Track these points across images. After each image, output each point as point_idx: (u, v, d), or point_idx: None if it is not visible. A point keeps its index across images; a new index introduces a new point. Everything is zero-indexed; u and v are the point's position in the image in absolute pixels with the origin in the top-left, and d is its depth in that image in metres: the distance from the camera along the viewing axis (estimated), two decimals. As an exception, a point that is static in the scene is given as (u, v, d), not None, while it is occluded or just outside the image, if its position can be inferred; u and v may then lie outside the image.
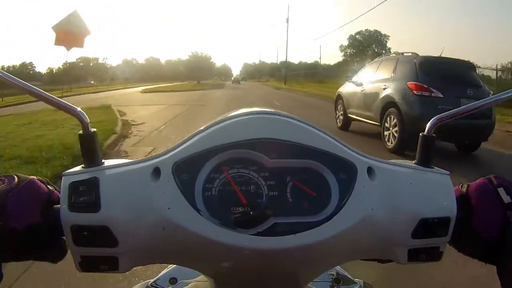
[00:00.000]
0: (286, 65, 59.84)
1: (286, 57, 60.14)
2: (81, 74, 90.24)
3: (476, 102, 0.43)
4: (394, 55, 6.47)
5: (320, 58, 69.19)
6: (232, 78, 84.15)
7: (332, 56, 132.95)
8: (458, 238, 0.43)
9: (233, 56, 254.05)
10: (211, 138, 0.39)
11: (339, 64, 69.51)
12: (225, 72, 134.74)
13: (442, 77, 5.09)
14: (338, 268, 0.63)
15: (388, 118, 5.42)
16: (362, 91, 6.46)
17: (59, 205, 0.39)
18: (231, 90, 28.60)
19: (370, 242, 0.41)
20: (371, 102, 5.99)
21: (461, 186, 0.45)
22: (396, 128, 5.16)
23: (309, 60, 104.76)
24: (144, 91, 25.79)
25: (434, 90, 4.91)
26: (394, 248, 0.42)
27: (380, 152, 5.09)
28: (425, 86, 4.95)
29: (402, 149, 5.06)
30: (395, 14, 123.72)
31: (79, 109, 0.41)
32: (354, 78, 7.09)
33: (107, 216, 0.38)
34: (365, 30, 75.62)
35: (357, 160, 0.41)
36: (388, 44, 75.92)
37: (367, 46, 74.30)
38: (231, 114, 0.42)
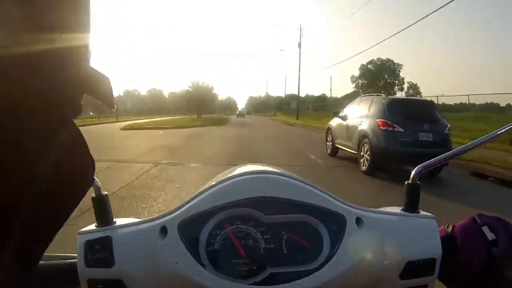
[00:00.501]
0: (297, 97, 50.57)
1: (299, 88, 47.43)
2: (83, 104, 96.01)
3: (453, 150, 0.49)
4: (370, 96, 7.85)
5: (330, 90, 66.98)
6: (237, 112, 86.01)
7: (342, 88, 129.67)
8: (446, 275, 0.46)
9: (239, 89, 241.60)
10: (212, 199, 0.43)
11: (347, 96, 64.56)
12: (230, 106, 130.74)
13: (405, 115, 6.39)
14: None
15: (362, 147, 6.70)
16: (345, 124, 7.80)
17: (75, 260, 0.44)
18: (234, 128, 21.71)
19: (361, 285, 0.44)
20: (352, 134, 7.31)
21: (447, 227, 0.48)
22: (368, 155, 6.44)
23: (315, 92, 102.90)
24: (125, 128, 20.99)
25: (396, 126, 6.21)
26: None
27: (356, 174, 6.37)
28: (389, 123, 6.26)
29: (373, 172, 6.31)
30: (408, 42, 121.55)
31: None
32: (341, 114, 8.45)
33: (120, 270, 0.43)
34: (377, 59, 71.05)
35: (346, 211, 0.45)
36: (402, 73, 71.05)
37: (379, 76, 69.95)
38: (230, 175, 0.47)
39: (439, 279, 0.47)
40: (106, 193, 0.48)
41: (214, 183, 0.46)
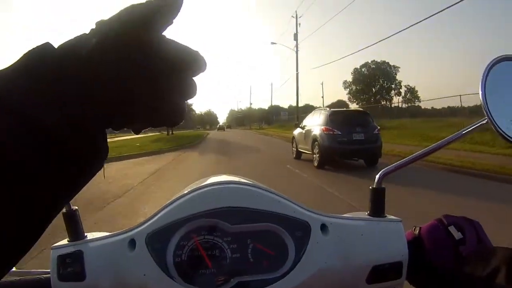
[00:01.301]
0: (297, 102, 35.26)
1: (297, 91, 33.72)
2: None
3: (416, 154, 0.49)
4: (319, 109, 10.06)
5: (323, 97, 58.41)
6: (218, 126, 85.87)
7: (335, 94, 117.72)
8: (415, 277, 0.47)
9: (219, 102, 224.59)
10: (178, 211, 0.44)
11: (333, 105, 58.03)
12: (210, 120, 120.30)
13: (342, 122, 8.57)
14: None
15: (314, 148, 8.82)
16: (304, 132, 9.93)
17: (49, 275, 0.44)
18: (209, 156, 12.68)
19: None
20: (308, 139, 9.42)
21: (414, 229, 0.49)
22: (317, 154, 8.54)
23: (306, 101, 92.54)
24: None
25: (335, 130, 8.36)
26: None
27: (310, 168, 8.46)
28: (330, 128, 8.43)
29: (322, 166, 8.39)
30: (406, 43, 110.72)
31: None
32: (301, 125, 10.60)
33: (92, 284, 0.43)
34: (372, 61, 64.80)
35: (310, 218, 0.45)
36: (399, 77, 64.99)
37: (374, 80, 63.75)
38: (196, 186, 0.47)
39: (409, 281, 0.47)
40: (76, 208, 0.49)
41: (180, 194, 0.46)
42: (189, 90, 0.26)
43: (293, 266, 0.43)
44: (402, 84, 64.86)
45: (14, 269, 0.47)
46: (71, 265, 0.44)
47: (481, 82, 0.44)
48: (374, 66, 64.98)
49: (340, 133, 8.36)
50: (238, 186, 0.47)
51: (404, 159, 0.49)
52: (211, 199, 0.45)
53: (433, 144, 0.49)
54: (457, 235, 0.45)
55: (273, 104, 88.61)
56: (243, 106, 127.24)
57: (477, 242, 0.45)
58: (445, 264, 0.44)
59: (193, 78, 0.26)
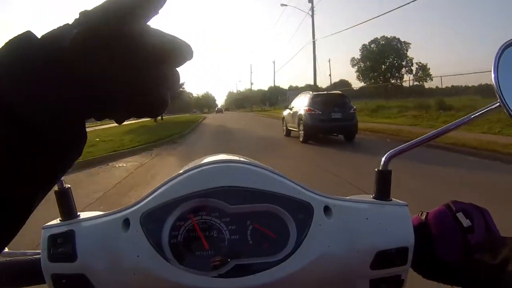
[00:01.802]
0: (314, 79, 29.98)
1: (314, 61, 28.83)
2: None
3: (424, 136, 0.47)
4: (304, 92, 11.62)
5: (330, 75, 55.97)
6: (216, 109, 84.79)
7: (344, 73, 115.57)
8: (421, 265, 0.45)
9: (217, 84, 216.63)
10: (175, 189, 0.42)
11: (342, 84, 57.15)
12: (208, 102, 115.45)
13: (322, 103, 10.12)
14: None
15: (299, 126, 10.41)
16: (291, 113, 11.50)
17: (40, 256, 0.42)
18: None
19: (330, 276, 0.43)
20: (294, 119, 10.99)
21: (420, 215, 0.47)
22: (302, 130, 10.14)
23: (301, 83, 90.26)
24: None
25: (316, 110, 9.92)
26: (355, 280, 0.44)
27: (296, 142, 10.08)
28: (312, 109, 9.98)
29: (306, 141, 9.99)
30: (418, 17, 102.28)
31: None
32: (289, 106, 12.15)
33: (83, 265, 0.42)
34: (381, 37, 59.70)
35: (313, 200, 0.43)
36: (410, 53, 59.53)
37: (383, 57, 58.98)
38: (194, 165, 0.46)
39: (413, 268, 0.46)
40: (69, 186, 0.48)
41: (177, 173, 0.45)
42: (173, 81, 0.27)
43: (294, 249, 0.41)
44: (414, 61, 59.86)
45: (6, 249, 0.47)
46: (62, 245, 0.42)
47: (493, 65, 0.42)
48: (384, 42, 59.95)
49: (320, 112, 9.94)
50: (238, 165, 0.45)
51: (411, 141, 0.47)
52: (210, 178, 0.43)
53: (442, 127, 0.47)
54: (466, 222, 0.43)
55: (276, 85, 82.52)
56: (243, 87, 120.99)
57: (486, 230, 0.42)
58: (452, 252, 0.43)
59: (177, 69, 0.27)
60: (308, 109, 10.12)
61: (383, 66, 59.77)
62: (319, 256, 0.42)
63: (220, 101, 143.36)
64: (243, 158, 0.51)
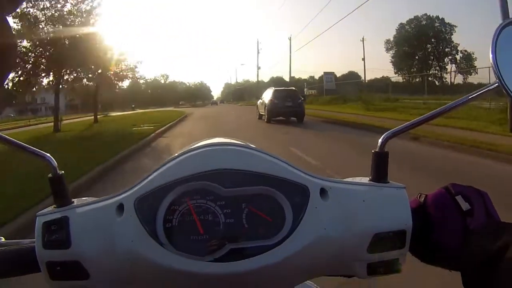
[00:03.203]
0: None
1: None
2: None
3: (421, 117, 0.46)
4: (270, 88, 16.72)
5: (364, 59, 44.54)
6: (211, 101, 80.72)
7: (377, 60, 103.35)
8: (419, 248, 0.44)
9: (212, 74, 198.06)
10: (168, 173, 0.42)
11: (352, 76, 48.65)
12: (202, 94, 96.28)
13: (280, 95, 15.19)
14: (309, 283, 0.62)
15: (265, 111, 15.51)
16: (261, 102, 16.57)
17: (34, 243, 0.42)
18: None
19: (327, 259, 0.43)
20: (262, 106, 16.08)
21: (419, 197, 0.46)
22: (266, 114, 15.23)
23: (342, 70, 75.46)
24: None
25: (275, 100, 15.01)
26: (353, 263, 0.44)
27: (263, 122, 15.17)
28: (272, 99, 15.07)
29: (269, 121, 15.02)
30: None
31: (48, 155, 0.46)
32: (261, 97, 17.19)
33: (77, 251, 0.41)
34: (422, 15, 48.83)
35: (309, 182, 0.43)
36: (455, 38, 49.34)
37: (423, 41, 48.47)
38: (188, 148, 0.46)
39: (411, 252, 0.45)
40: (63, 172, 0.48)
41: (171, 157, 0.45)
42: None
43: (290, 232, 0.40)
44: (459, 48, 49.13)
45: (3, 239, 0.49)
46: (56, 232, 0.42)
47: (491, 45, 0.42)
48: (424, 23, 49.22)
49: (277, 102, 14.98)
50: (232, 148, 0.45)
51: (407, 123, 0.46)
52: (203, 161, 0.42)
53: (438, 108, 0.46)
54: (465, 205, 0.42)
55: (277, 76, 74.29)
56: (242, 77, 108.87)
57: (485, 214, 0.42)
58: (451, 236, 0.42)
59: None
60: (270, 100, 15.18)
61: (423, 52, 49.62)
62: (315, 239, 0.41)
63: (216, 93, 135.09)
64: (238, 141, 0.50)
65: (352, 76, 59.51)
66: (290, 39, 41.14)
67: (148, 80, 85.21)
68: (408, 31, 50.53)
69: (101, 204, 0.44)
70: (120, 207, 0.42)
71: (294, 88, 16.85)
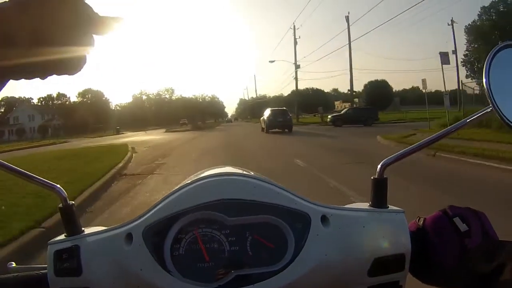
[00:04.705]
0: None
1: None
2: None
3: (419, 143, 0.47)
4: (268, 108, 23.93)
5: (454, 51, 31.70)
6: (226, 119, 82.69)
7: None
8: (419, 270, 0.46)
9: (227, 91, 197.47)
10: (175, 204, 0.43)
11: (379, 84, 51.91)
12: (214, 110, 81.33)
13: (274, 113, 22.35)
14: None
15: (264, 125, 22.67)
16: (262, 119, 23.73)
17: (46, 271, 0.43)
18: None
19: (328, 284, 0.44)
20: (263, 121, 23.18)
21: (418, 220, 0.47)
22: (265, 127, 22.33)
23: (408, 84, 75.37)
24: None
25: (271, 117, 22.10)
26: (354, 287, 0.45)
27: (262, 133, 22.17)
28: (268, 116, 22.22)
29: (267, 131, 21.93)
30: None
31: (58, 186, 0.48)
32: (263, 115, 24.26)
33: (88, 279, 0.43)
34: None
35: (310, 210, 0.44)
36: None
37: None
38: (195, 178, 0.47)
39: (413, 274, 0.47)
40: (73, 202, 0.49)
41: (178, 187, 0.46)
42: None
43: (292, 258, 0.42)
44: None
45: (14, 264, 0.50)
46: (68, 260, 0.44)
47: (484, 69, 0.42)
48: None
49: (272, 118, 21.96)
50: (235, 178, 0.46)
51: (406, 148, 0.47)
52: (208, 191, 0.44)
53: (437, 133, 0.47)
54: (462, 227, 0.43)
55: (314, 87, 72.67)
56: (257, 92, 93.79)
57: (483, 234, 0.43)
58: (449, 257, 0.43)
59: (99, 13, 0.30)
60: (267, 117, 22.28)
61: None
62: (317, 264, 0.42)
63: (230, 109, 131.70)
64: (243, 170, 0.52)
65: (379, 85, 64.60)
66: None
67: (151, 95, 79.41)
68: (496, 13, 34.86)
69: (110, 233, 0.46)
70: (129, 236, 0.43)
71: (285, 108, 24.03)
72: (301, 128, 25.86)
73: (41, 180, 0.48)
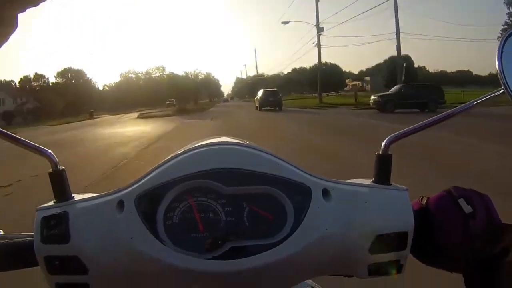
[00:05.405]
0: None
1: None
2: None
3: (424, 121, 0.46)
4: (261, 89, 27.47)
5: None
6: (223, 99, 79.29)
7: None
8: (421, 250, 0.45)
9: (222, 68, 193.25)
10: (170, 171, 0.42)
11: (392, 60, 38.18)
12: (209, 89, 78.01)
13: (266, 93, 26.06)
14: (310, 282, 0.60)
15: (257, 103, 26.38)
16: (256, 98, 27.30)
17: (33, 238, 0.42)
18: None
19: (328, 260, 0.43)
20: (257, 100, 26.79)
21: (421, 199, 0.46)
22: (258, 105, 26.02)
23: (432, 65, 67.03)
24: None
25: (264, 97, 25.81)
26: (354, 264, 0.44)
27: (256, 110, 25.76)
28: (261, 96, 25.94)
29: (260, 109, 25.67)
30: None
31: (49, 150, 0.46)
32: (257, 94, 27.69)
33: (76, 246, 0.41)
34: None
35: (311, 182, 0.43)
36: None
37: None
38: (191, 147, 0.46)
39: (413, 254, 0.45)
40: (63, 168, 0.47)
41: (173, 155, 0.45)
42: None
43: (291, 231, 0.40)
44: None
45: (1, 232, 0.48)
46: (55, 226, 0.42)
47: (497, 52, 0.42)
48: None
49: (264, 98, 25.56)
50: (234, 147, 0.45)
51: (412, 126, 0.46)
52: (205, 159, 0.42)
53: (444, 112, 0.46)
54: (467, 208, 0.42)
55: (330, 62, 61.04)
56: (253, 71, 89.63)
57: (487, 217, 0.42)
58: (452, 239, 0.42)
59: None
60: (260, 97, 25.90)
61: None
62: (316, 239, 0.41)
63: (226, 89, 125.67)
64: (241, 140, 0.49)
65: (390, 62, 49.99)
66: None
67: (139, 74, 73.30)
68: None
69: (101, 200, 0.44)
70: (121, 204, 0.42)
71: (275, 89, 27.67)
72: (335, 116, 17.32)
73: (30, 143, 0.45)
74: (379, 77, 55.23)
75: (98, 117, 37.35)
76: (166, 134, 12.89)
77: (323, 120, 16.05)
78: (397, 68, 25.69)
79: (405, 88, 19.63)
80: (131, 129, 16.86)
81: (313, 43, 32.07)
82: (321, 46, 32.13)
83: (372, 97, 20.05)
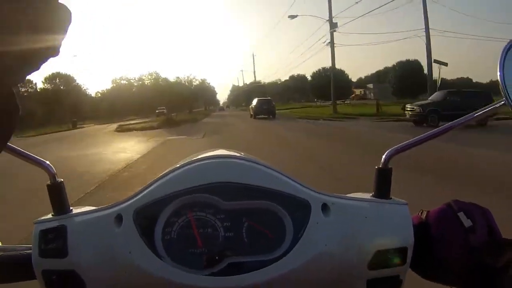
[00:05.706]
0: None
1: None
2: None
3: (424, 134, 0.46)
4: (256, 98, 28.81)
5: None
6: (219, 107, 78.96)
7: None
8: (420, 264, 0.44)
9: (218, 76, 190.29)
10: (168, 185, 0.41)
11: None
12: (203, 96, 71.15)
13: (260, 102, 27.34)
14: None
15: (252, 111, 27.59)
16: (251, 107, 28.57)
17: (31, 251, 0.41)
18: None
19: (326, 276, 0.42)
20: (252, 108, 28.04)
21: (421, 213, 0.46)
22: (252, 113, 27.25)
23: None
24: None
25: (258, 106, 27.02)
26: (352, 280, 0.43)
27: (250, 118, 26.95)
28: (255, 104, 27.22)
29: (254, 117, 26.78)
30: None
31: (47, 162, 0.45)
32: (252, 103, 29.00)
33: (74, 261, 0.41)
34: None
35: (311, 197, 0.42)
36: None
37: None
38: (189, 160, 0.45)
39: (412, 268, 0.45)
40: (62, 180, 0.47)
41: (172, 168, 0.44)
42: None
43: (290, 247, 0.39)
44: None
45: (0, 244, 0.47)
46: (53, 240, 0.41)
47: (499, 63, 0.42)
48: None
49: (258, 106, 26.76)
50: (233, 161, 0.44)
51: (413, 139, 0.46)
52: (204, 173, 0.42)
53: (446, 124, 0.46)
54: (467, 222, 0.42)
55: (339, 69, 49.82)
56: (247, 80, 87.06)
57: (488, 231, 0.42)
58: (452, 253, 0.41)
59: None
60: (254, 105, 27.08)
61: None
62: (315, 255, 0.40)
63: (221, 97, 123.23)
64: (240, 153, 0.49)
65: (412, 66, 46.50)
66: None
67: (132, 80, 67.52)
68: None
69: (99, 214, 0.43)
70: (119, 217, 0.41)
71: (269, 98, 28.95)
72: (370, 131, 12.47)
73: (28, 155, 0.45)
74: (385, 84, 52.23)
75: (83, 127, 34.62)
76: (118, 174, 6.64)
77: (360, 138, 10.85)
78: (428, 72, 20.05)
79: (451, 95, 14.48)
80: (90, 152, 10.40)
81: (324, 41, 27.45)
82: (335, 45, 26.32)
83: (409, 107, 15.00)
